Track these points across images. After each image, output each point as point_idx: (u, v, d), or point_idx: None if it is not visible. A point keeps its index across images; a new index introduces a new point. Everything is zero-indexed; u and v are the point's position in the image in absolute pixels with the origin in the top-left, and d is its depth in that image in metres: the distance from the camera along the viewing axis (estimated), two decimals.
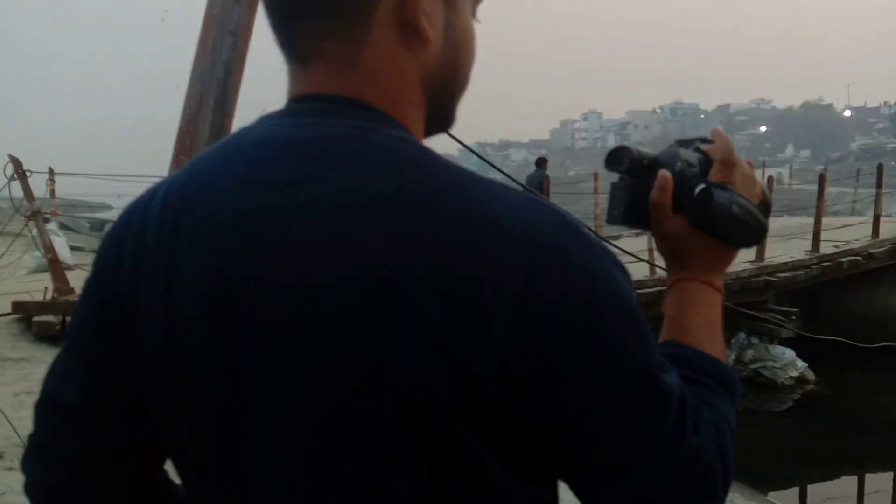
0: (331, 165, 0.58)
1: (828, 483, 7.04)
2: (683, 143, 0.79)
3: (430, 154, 0.60)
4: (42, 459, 0.69)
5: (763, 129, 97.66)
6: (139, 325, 0.64)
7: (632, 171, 0.76)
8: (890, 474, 7.10)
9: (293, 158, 0.60)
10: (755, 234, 0.74)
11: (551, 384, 0.54)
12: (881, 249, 9.75)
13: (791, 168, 21.53)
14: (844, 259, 9.36)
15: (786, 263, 8.83)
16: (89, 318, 0.68)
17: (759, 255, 8.51)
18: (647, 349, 0.57)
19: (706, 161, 0.75)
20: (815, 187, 9.66)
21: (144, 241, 0.63)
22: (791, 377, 8.38)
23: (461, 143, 2.25)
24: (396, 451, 0.56)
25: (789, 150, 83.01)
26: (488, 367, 0.53)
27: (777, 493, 6.22)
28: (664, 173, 0.73)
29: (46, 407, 0.69)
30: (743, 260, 8.29)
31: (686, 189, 0.72)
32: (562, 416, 0.55)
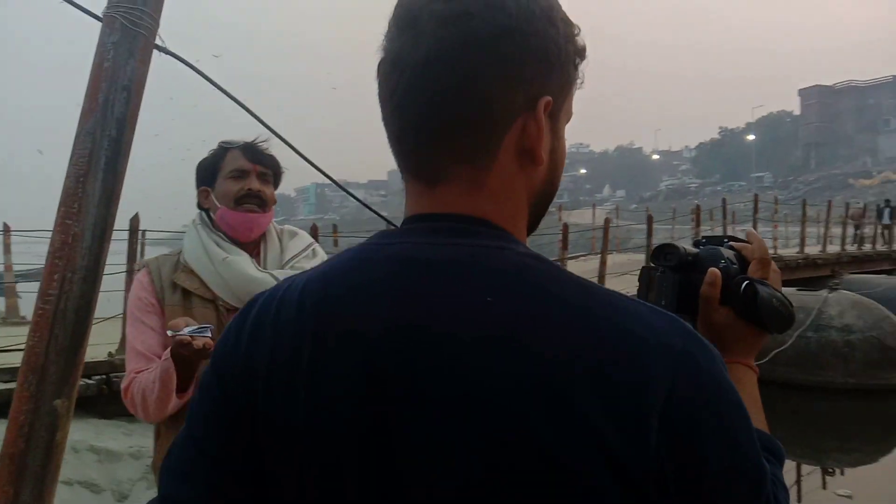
0: (477, 283, 0.63)
1: None
2: (712, 240, 0.90)
3: (560, 269, 0.66)
4: None
5: (583, 171, 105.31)
6: (273, 430, 0.67)
7: (678, 267, 0.84)
8: None
9: (438, 276, 0.64)
10: (788, 321, 0.83)
11: (692, 483, 0.58)
12: None
13: (618, 208, 23.41)
14: None
15: None
16: (212, 417, 0.71)
17: None
18: (753, 439, 0.63)
19: (740, 258, 0.87)
20: (633, 224, 10.63)
21: (280, 347, 0.68)
22: None
23: (341, 187, 2.18)
24: None
25: (606, 190, 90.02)
26: (646, 467, 0.57)
27: None
28: (715, 271, 0.83)
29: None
30: None
31: (731, 284, 0.82)
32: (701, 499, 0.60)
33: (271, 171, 1.83)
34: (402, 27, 0.67)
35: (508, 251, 0.65)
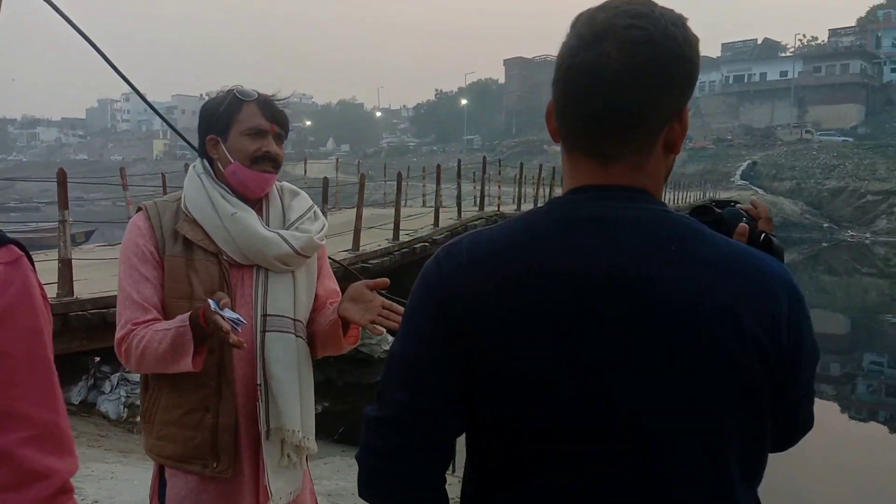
0: (659, 236, 0.89)
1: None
2: (720, 204, 1.17)
3: (698, 224, 0.93)
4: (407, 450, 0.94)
5: (308, 123, 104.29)
6: (491, 351, 0.90)
7: (712, 224, 1.08)
8: None
9: (631, 231, 0.89)
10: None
11: (797, 362, 0.91)
12: (442, 236, 11.54)
13: (337, 162, 23.39)
14: (417, 245, 10.79)
15: (375, 251, 9.78)
16: (435, 338, 0.93)
17: (356, 245, 9.29)
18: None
19: (749, 217, 1.16)
20: (353, 178, 10.83)
21: (506, 291, 0.90)
22: (385, 350, 9.35)
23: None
24: (735, 416, 0.88)
25: (330, 144, 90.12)
26: (780, 358, 0.88)
27: None
28: (744, 225, 1.11)
29: (419, 417, 0.94)
30: (341, 249, 8.92)
31: (753, 235, 1.11)
32: (794, 377, 0.92)
33: (284, 131, 1.76)
34: (591, 41, 0.88)
35: (668, 212, 0.92)
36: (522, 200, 16.51)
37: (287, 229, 1.77)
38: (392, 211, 11.15)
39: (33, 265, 1.01)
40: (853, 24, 69.82)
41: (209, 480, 1.69)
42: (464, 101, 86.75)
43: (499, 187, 16.61)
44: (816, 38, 73.17)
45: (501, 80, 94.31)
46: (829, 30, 71.40)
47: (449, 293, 0.93)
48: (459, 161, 14.56)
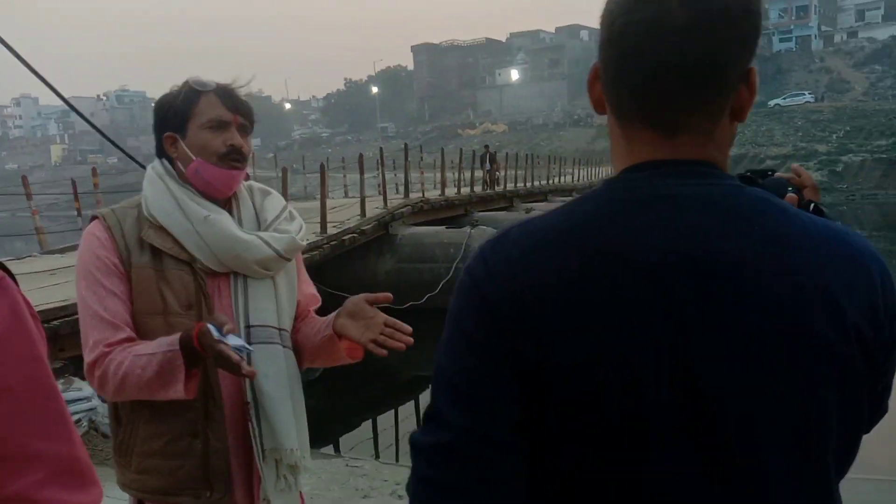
0: (738, 216, 0.79)
1: (351, 434, 7.80)
2: (757, 173, 1.08)
3: (778, 199, 0.84)
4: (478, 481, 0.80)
5: None
6: (560, 356, 0.78)
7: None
8: (392, 412, 8.46)
9: (710, 211, 0.79)
10: None
11: (893, 347, 0.82)
12: (370, 226, 11.45)
13: (254, 157, 22.58)
14: (346, 237, 10.68)
15: (308, 244, 9.61)
16: (489, 352, 0.80)
17: None
18: None
19: (793, 186, 1.11)
20: (270, 173, 10.61)
21: (572, 280, 0.78)
22: None
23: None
24: (834, 408, 0.79)
25: None
26: (879, 344, 0.80)
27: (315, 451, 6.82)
28: (793, 196, 1.06)
29: (480, 442, 0.80)
30: None
31: (801, 206, 1.04)
32: (889, 363, 0.83)
33: (249, 122, 1.60)
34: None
35: (742, 189, 0.81)
36: (446, 185, 16.56)
37: (266, 230, 1.63)
38: (316, 204, 10.94)
39: (17, 285, 0.92)
40: None
41: None
42: (375, 89, 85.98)
43: (421, 174, 16.59)
44: None
45: (410, 67, 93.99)
46: None
47: (502, 291, 0.80)
48: (382, 149, 14.43)
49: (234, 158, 1.56)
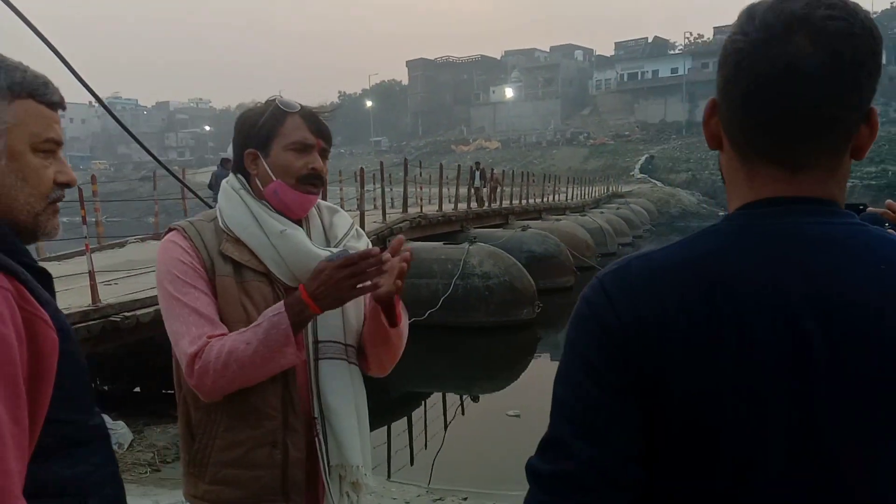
0: (864, 255, 0.78)
1: None
2: (851, 207, 1.04)
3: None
4: None
5: (207, 128, 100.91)
6: (685, 387, 0.78)
7: None
8: (384, 429, 8.24)
9: (836, 251, 0.79)
10: None
11: None
12: (370, 238, 11.40)
13: None
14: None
15: None
16: (610, 380, 0.81)
17: None
18: None
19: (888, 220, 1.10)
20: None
21: (694, 313, 0.78)
22: None
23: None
24: None
25: (231, 150, 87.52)
26: None
27: None
28: (892, 231, 1.03)
29: (602, 474, 0.81)
30: None
31: None
32: None
33: (329, 146, 1.62)
34: (781, 33, 0.78)
35: (864, 227, 0.81)
36: (444, 200, 16.59)
37: (336, 246, 1.64)
38: None
39: (26, 282, 0.95)
40: (734, 22, 73.81)
41: None
42: (369, 103, 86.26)
43: (420, 189, 16.61)
44: (703, 36, 77.44)
45: (405, 82, 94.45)
46: (714, 27, 75.48)
47: (624, 320, 0.81)
48: (382, 163, 14.39)
49: (313, 182, 1.59)
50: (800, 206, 0.82)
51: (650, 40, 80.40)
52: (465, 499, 5.12)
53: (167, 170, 2.97)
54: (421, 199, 16.11)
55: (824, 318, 0.76)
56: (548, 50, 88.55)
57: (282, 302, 1.47)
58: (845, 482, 0.76)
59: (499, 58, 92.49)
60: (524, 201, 23.04)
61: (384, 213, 13.37)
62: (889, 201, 1.22)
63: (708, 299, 0.78)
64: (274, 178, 1.58)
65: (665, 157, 49.78)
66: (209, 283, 1.53)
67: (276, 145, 1.57)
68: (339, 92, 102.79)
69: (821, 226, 0.80)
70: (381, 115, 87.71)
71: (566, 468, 0.81)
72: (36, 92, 1.04)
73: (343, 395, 1.58)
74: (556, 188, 29.59)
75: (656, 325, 0.79)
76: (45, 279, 1.04)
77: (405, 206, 14.88)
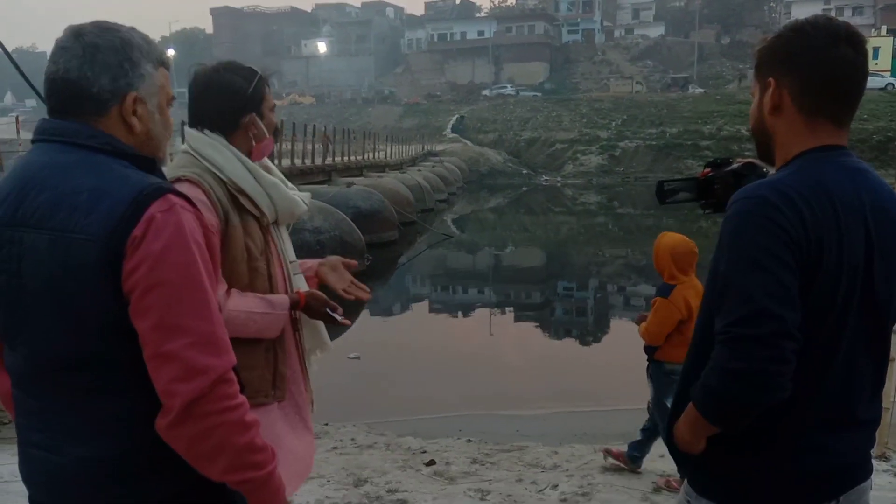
0: (879, 180, 1.36)
1: None
2: (723, 161, 1.76)
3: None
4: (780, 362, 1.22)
5: None
6: (824, 266, 1.26)
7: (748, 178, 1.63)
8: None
9: (870, 177, 1.35)
10: None
11: None
12: None
13: (18, 120, 16.58)
14: None
15: None
16: (788, 263, 1.24)
17: None
18: None
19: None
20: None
21: (829, 221, 1.27)
22: None
23: None
24: None
25: (8, 99, 77.68)
26: None
27: None
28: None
29: (793, 332, 1.23)
30: None
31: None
32: None
33: None
34: (842, 40, 1.31)
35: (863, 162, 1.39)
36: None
37: (292, 190, 2.07)
38: None
39: (195, 208, 1.27)
40: None
41: (266, 406, 1.95)
42: (171, 52, 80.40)
43: None
44: (506, 1, 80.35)
45: (209, 31, 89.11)
46: None
47: (792, 220, 1.23)
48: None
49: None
50: (844, 150, 1.35)
51: (458, 2, 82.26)
52: (326, 424, 5.73)
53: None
54: None
55: (875, 218, 1.29)
56: (359, 6, 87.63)
57: (286, 302, 1.95)
58: (880, 306, 1.32)
59: (310, 11, 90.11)
60: (346, 158, 23.43)
61: None
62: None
63: (833, 208, 1.26)
64: (267, 135, 1.98)
65: (474, 118, 51.60)
66: (221, 233, 1.83)
67: (265, 108, 1.98)
68: None
69: (857, 161, 1.35)
70: (184, 66, 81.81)
71: (782, 328, 1.20)
72: (164, 60, 1.36)
73: None
74: (376, 146, 30.20)
75: (813, 223, 1.24)
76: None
77: None
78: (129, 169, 1.26)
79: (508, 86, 59.89)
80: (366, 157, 26.85)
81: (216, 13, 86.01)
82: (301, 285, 2.10)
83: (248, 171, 1.92)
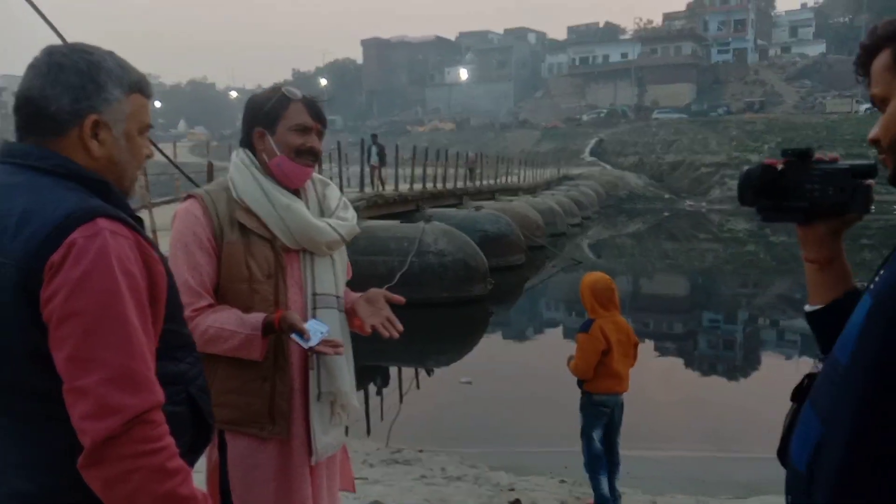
0: None
1: None
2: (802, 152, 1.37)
3: None
4: None
5: (158, 104, 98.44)
6: None
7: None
8: None
9: None
10: None
11: None
12: None
13: (208, 146, 20.34)
14: None
15: None
16: None
17: None
18: None
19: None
20: (226, 162, 10.63)
21: None
22: None
23: None
24: None
25: (182, 126, 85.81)
26: None
27: None
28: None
29: None
30: None
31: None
32: None
33: (324, 129, 2.00)
34: None
35: None
36: (401, 181, 16.93)
37: (330, 217, 1.98)
38: None
39: (138, 231, 1.19)
40: (684, 8, 75.57)
41: (266, 441, 1.88)
42: (323, 82, 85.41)
43: (379, 170, 16.87)
44: (652, 22, 78.64)
45: (360, 61, 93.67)
46: (664, 14, 77.15)
47: None
48: (339, 143, 14.77)
49: (309, 157, 1.94)
50: None
51: (602, 25, 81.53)
52: (421, 451, 5.65)
53: (160, 151, 3.36)
54: (383, 180, 16.40)
55: None
56: (502, 32, 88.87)
57: (260, 321, 1.80)
58: None
59: (454, 39, 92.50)
60: (478, 183, 23.58)
61: (341, 192, 13.69)
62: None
63: None
64: (278, 153, 1.90)
65: (614, 141, 50.77)
66: (215, 249, 1.84)
67: (281, 126, 1.90)
68: (293, 70, 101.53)
69: None
70: (336, 95, 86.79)
71: None
72: (141, 87, 1.33)
73: (335, 336, 1.94)
74: (509, 170, 30.22)
75: None
76: (141, 226, 1.31)
77: (362, 185, 15.25)
78: (73, 192, 1.19)
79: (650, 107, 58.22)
80: (498, 181, 26.94)
81: (366, 44, 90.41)
82: (328, 319, 1.98)
83: (263, 192, 1.89)
